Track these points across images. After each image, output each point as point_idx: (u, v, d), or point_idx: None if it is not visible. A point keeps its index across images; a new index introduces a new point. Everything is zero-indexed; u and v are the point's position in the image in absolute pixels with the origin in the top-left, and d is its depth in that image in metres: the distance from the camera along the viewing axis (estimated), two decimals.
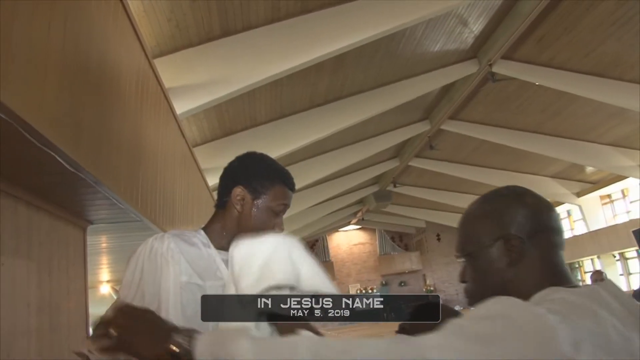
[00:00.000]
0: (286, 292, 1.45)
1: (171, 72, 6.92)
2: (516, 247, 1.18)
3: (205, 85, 7.25)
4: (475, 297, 1.25)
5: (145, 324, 1.13)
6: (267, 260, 1.46)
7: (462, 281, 1.30)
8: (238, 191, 1.63)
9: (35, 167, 2.78)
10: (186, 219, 6.28)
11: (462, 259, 1.29)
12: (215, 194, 6.38)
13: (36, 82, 2.34)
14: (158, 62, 6.77)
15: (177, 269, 1.54)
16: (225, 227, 1.66)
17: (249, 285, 1.43)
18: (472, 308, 1.15)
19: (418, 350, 0.95)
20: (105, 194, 3.42)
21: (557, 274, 1.18)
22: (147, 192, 4.35)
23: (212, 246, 1.65)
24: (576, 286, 1.14)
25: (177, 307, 1.51)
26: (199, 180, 7.84)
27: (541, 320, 0.95)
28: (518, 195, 1.26)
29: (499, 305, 1.01)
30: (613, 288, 1.11)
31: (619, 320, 1.01)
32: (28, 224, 3.33)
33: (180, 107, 6.86)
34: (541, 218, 1.21)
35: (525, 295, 1.09)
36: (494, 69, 11.07)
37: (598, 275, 7.04)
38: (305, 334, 1.14)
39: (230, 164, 1.70)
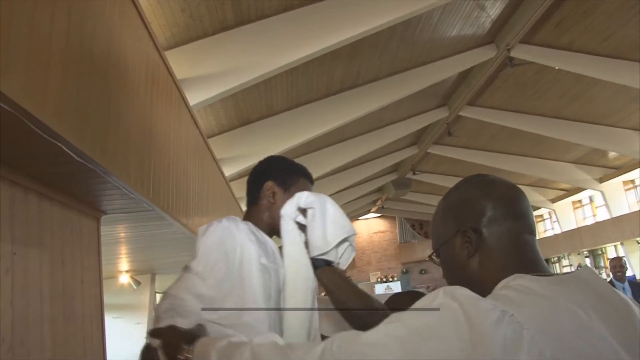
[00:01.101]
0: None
1: (186, 62, 6.95)
2: (472, 239, 1.17)
3: (221, 75, 7.26)
4: None
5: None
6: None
7: (444, 278, 1.28)
8: (269, 185, 1.86)
9: (42, 157, 2.80)
10: (201, 208, 6.31)
11: (436, 259, 1.29)
12: (234, 184, 6.41)
13: (39, 72, 2.35)
14: (174, 53, 6.80)
15: (256, 250, 1.65)
16: (261, 220, 1.85)
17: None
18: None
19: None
20: (116, 184, 3.44)
21: (521, 262, 1.14)
22: (160, 182, 4.37)
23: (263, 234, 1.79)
24: (547, 274, 1.10)
25: (259, 288, 1.61)
26: (215, 170, 7.87)
27: (481, 313, 0.93)
28: (474, 186, 1.25)
29: (440, 298, 0.99)
30: (589, 276, 1.10)
31: (583, 309, 0.98)
32: (39, 215, 3.36)
33: (196, 97, 6.89)
34: (500, 205, 1.18)
35: (490, 286, 1.07)
36: (512, 54, 10.93)
37: (617, 262, 6.94)
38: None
39: (256, 168, 1.94)
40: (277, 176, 1.88)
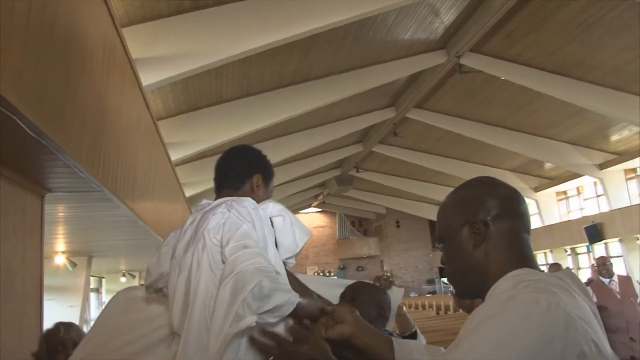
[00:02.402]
0: None
1: (139, 42, 6.79)
2: (480, 231, 1.31)
3: (173, 58, 7.15)
4: (451, 276, 1.40)
5: None
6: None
7: (442, 263, 1.43)
8: (258, 177, 2.03)
9: None
10: (146, 192, 6.21)
11: (439, 244, 1.42)
12: (177, 170, 6.29)
13: None
14: (126, 32, 6.64)
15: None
16: None
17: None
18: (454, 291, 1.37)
19: None
20: (66, 161, 3.36)
21: (520, 256, 1.29)
22: (109, 163, 4.29)
23: None
24: (541, 270, 1.27)
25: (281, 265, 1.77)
26: (162, 153, 7.75)
27: (536, 304, 1.07)
28: (485, 184, 1.40)
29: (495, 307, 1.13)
30: (571, 275, 1.26)
31: (583, 300, 1.16)
32: None
33: (146, 79, 6.75)
34: (505, 204, 1.33)
35: (491, 274, 1.25)
36: (462, 61, 11.23)
37: (557, 268, 7.23)
38: None
39: (243, 155, 2.09)
40: (265, 172, 2.06)
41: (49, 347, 2.59)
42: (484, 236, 1.30)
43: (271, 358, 1.51)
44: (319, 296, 1.79)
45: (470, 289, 1.36)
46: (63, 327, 2.65)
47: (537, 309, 1.06)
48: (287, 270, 1.88)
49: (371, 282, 2.78)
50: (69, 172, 3.65)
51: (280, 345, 1.46)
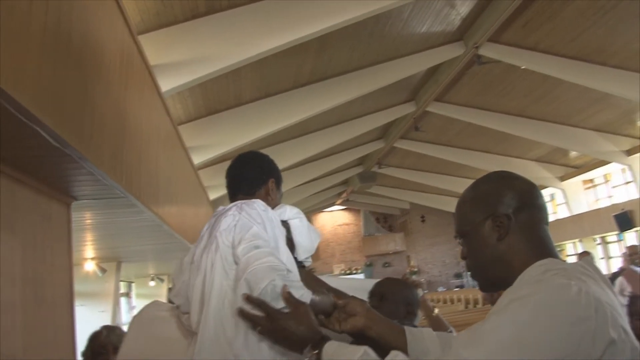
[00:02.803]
0: None
1: (156, 49, 6.87)
2: (503, 224, 1.35)
3: (190, 63, 7.21)
4: (475, 270, 1.44)
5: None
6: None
7: (463, 258, 1.47)
8: (271, 183, 2.12)
9: (18, 141, 2.77)
10: (170, 196, 6.29)
11: (460, 239, 1.46)
12: (200, 173, 6.37)
13: (16, 55, 2.32)
14: (142, 39, 6.72)
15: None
16: None
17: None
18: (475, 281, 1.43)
19: None
20: (90, 169, 3.42)
21: (543, 247, 1.34)
22: (132, 169, 4.35)
23: None
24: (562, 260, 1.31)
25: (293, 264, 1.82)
26: (183, 158, 7.83)
27: (566, 288, 1.10)
28: (503, 178, 1.44)
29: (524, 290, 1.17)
30: (592, 264, 1.29)
31: (607, 288, 1.19)
32: (12, 199, 3.33)
33: (165, 84, 6.83)
34: (524, 197, 1.38)
35: (516, 265, 1.29)
36: (480, 52, 11.12)
37: (586, 255, 7.15)
38: None
39: (259, 161, 2.17)
40: (277, 177, 2.17)
41: (92, 349, 2.66)
42: (507, 229, 1.34)
43: (258, 328, 1.53)
44: (329, 290, 1.84)
45: (495, 282, 1.39)
46: (105, 331, 2.74)
47: (568, 292, 1.09)
48: (304, 269, 1.97)
49: (398, 278, 2.75)
50: (92, 179, 3.71)
51: (268, 316, 1.50)
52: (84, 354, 2.70)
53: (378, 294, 2.43)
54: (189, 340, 1.76)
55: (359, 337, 1.57)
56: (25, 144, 2.85)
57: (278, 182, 2.17)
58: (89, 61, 3.35)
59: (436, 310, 2.70)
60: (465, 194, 1.48)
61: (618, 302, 1.18)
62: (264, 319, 1.50)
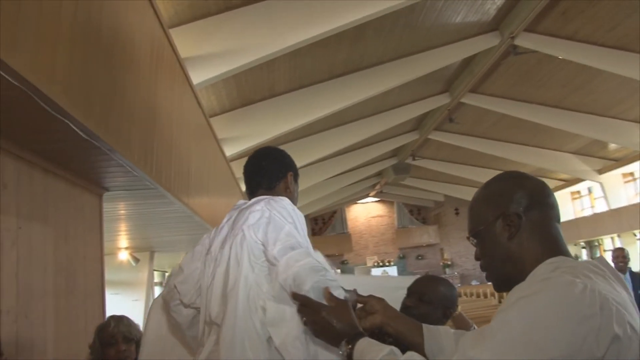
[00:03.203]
0: None
1: (190, 41, 6.93)
2: (514, 222, 1.36)
3: (224, 55, 7.25)
4: (489, 270, 1.45)
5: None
6: None
7: (477, 259, 1.48)
8: (290, 176, 2.12)
9: (49, 133, 2.83)
10: (201, 188, 6.35)
11: (473, 240, 1.48)
12: (234, 164, 6.41)
13: (47, 49, 2.37)
14: (176, 31, 6.78)
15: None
16: None
17: None
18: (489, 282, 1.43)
19: None
20: (119, 161, 3.47)
21: (554, 244, 1.34)
22: (162, 161, 4.40)
23: None
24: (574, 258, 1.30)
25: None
26: (216, 149, 7.89)
27: (572, 286, 1.11)
28: (513, 178, 1.46)
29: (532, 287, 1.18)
30: (606, 263, 1.29)
31: (618, 286, 1.20)
32: (44, 190, 3.40)
33: (199, 76, 6.89)
34: (535, 196, 1.39)
35: (528, 263, 1.30)
36: (516, 42, 10.92)
37: (619, 252, 6.98)
38: None
39: (278, 155, 2.16)
40: (295, 171, 2.17)
41: (101, 340, 2.69)
42: (517, 228, 1.35)
43: (304, 319, 1.60)
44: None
45: (508, 280, 1.37)
46: (113, 321, 2.75)
47: (573, 290, 1.10)
48: None
49: (439, 277, 2.65)
50: (123, 171, 3.77)
51: (312, 310, 1.56)
52: (92, 347, 2.72)
53: (416, 293, 2.34)
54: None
55: (380, 335, 1.59)
56: (55, 137, 2.91)
57: (296, 176, 2.17)
58: (119, 55, 3.38)
59: (459, 309, 2.59)
60: (477, 195, 1.51)
61: (630, 299, 1.19)
62: (309, 312, 1.57)
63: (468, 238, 1.50)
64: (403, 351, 1.41)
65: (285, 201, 1.85)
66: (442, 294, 2.34)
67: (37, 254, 3.26)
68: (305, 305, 1.57)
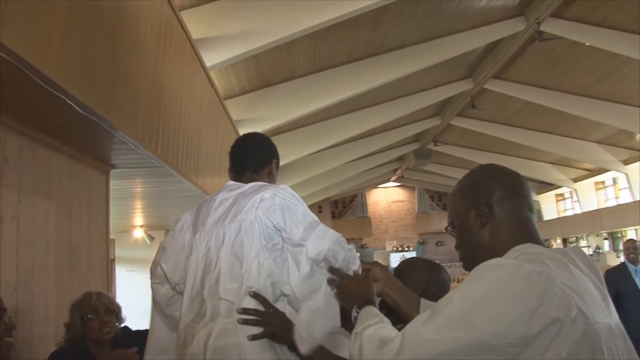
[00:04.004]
0: None
1: (208, 21, 6.93)
2: (484, 212, 1.43)
3: (242, 36, 7.24)
4: (464, 258, 1.51)
5: None
6: None
7: (456, 249, 1.56)
8: (274, 163, 2.23)
9: (46, 109, 2.86)
10: (213, 168, 6.37)
11: (451, 230, 1.55)
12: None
13: (41, 25, 2.38)
14: (193, 12, 6.78)
15: None
16: None
17: None
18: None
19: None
20: (122, 138, 3.50)
21: (524, 233, 1.39)
22: (169, 140, 4.42)
23: None
24: (547, 246, 1.35)
25: None
26: (230, 130, 7.91)
27: (518, 269, 1.17)
28: (487, 171, 1.53)
29: (482, 270, 1.23)
30: (579, 252, 1.34)
31: (584, 272, 1.25)
32: (47, 165, 3.45)
33: (217, 57, 6.89)
34: (507, 187, 1.45)
35: (499, 252, 1.34)
36: (542, 28, 10.67)
37: (631, 244, 6.85)
38: None
39: (265, 142, 2.26)
40: (278, 159, 2.27)
41: (81, 314, 2.70)
42: (488, 217, 1.42)
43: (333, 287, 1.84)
44: None
45: None
46: (95, 295, 2.77)
47: (517, 273, 1.16)
48: None
49: (426, 259, 2.76)
50: (127, 149, 3.80)
51: (336, 276, 1.81)
52: (70, 324, 2.73)
53: (398, 272, 2.46)
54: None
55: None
56: (55, 113, 2.94)
57: (278, 164, 2.27)
58: (123, 34, 3.40)
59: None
60: (454, 188, 1.57)
61: (595, 287, 1.25)
62: (337, 282, 1.80)
63: (446, 229, 1.57)
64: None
65: (288, 189, 1.97)
66: (421, 272, 2.43)
67: (38, 228, 3.32)
68: (335, 277, 1.80)
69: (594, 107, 14.00)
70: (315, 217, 1.93)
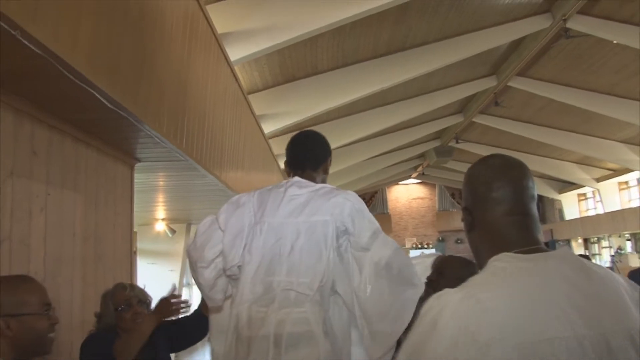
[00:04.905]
0: None
1: (232, 16, 6.95)
2: (467, 217, 1.38)
3: (266, 31, 7.25)
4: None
5: None
6: None
7: None
8: (329, 161, 2.42)
9: (74, 102, 2.89)
10: (236, 163, 6.40)
11: None
12: (276, 140, 6.50)
13: (70, 18, 2.41)
14: (219, 6, 6.81)
15: None
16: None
17: None
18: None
19: None
20: (148, 132, 3.53)
21: (506, 238, 1.30)
22: (194, 134, 4.45)
23: None
24: (533, 249, 1.25)
25: None
26: (253, 125, 7.93)
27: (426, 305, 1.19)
28: (467, 173, 1.44)
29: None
30: (570, 256, 1.24)
31: (553, 284, 1.14)
32: (75, 158, 3.48)
33: (241, 51, 6.91)
34: (480, 191, 1.36)
35: (485, 256, 1.29)
36: (568, 25, 10.54)
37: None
38: None
39: (322, 140, 2.42)
40: (331, 155, 2.44)
41: (115, 304, 2.77)
42: (471, 223, 1.37)
43: None
44: None
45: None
46: (128, 286, 2.85)
47: (423, 310, 1.19)
48: None
49: (461, 257, 2.81)
50: (152, 142, 3.83)
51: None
52: (102, 313, 2.80)
53: (437, 269, 2.58)
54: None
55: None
56: (84, 106, 2.97)
57: (331, 160, 2.44)
58: (149, 28, 3.42)
59: None
60: None
61: (571, 298, 1.12)
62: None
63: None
64: None
65: (355, 195, 2.19)
66: (459, 270, 2.47)
67: (66, 220, 3.36)
68: None
69: (620, 105, 13.78)
70: (378, 225, 2.15)
